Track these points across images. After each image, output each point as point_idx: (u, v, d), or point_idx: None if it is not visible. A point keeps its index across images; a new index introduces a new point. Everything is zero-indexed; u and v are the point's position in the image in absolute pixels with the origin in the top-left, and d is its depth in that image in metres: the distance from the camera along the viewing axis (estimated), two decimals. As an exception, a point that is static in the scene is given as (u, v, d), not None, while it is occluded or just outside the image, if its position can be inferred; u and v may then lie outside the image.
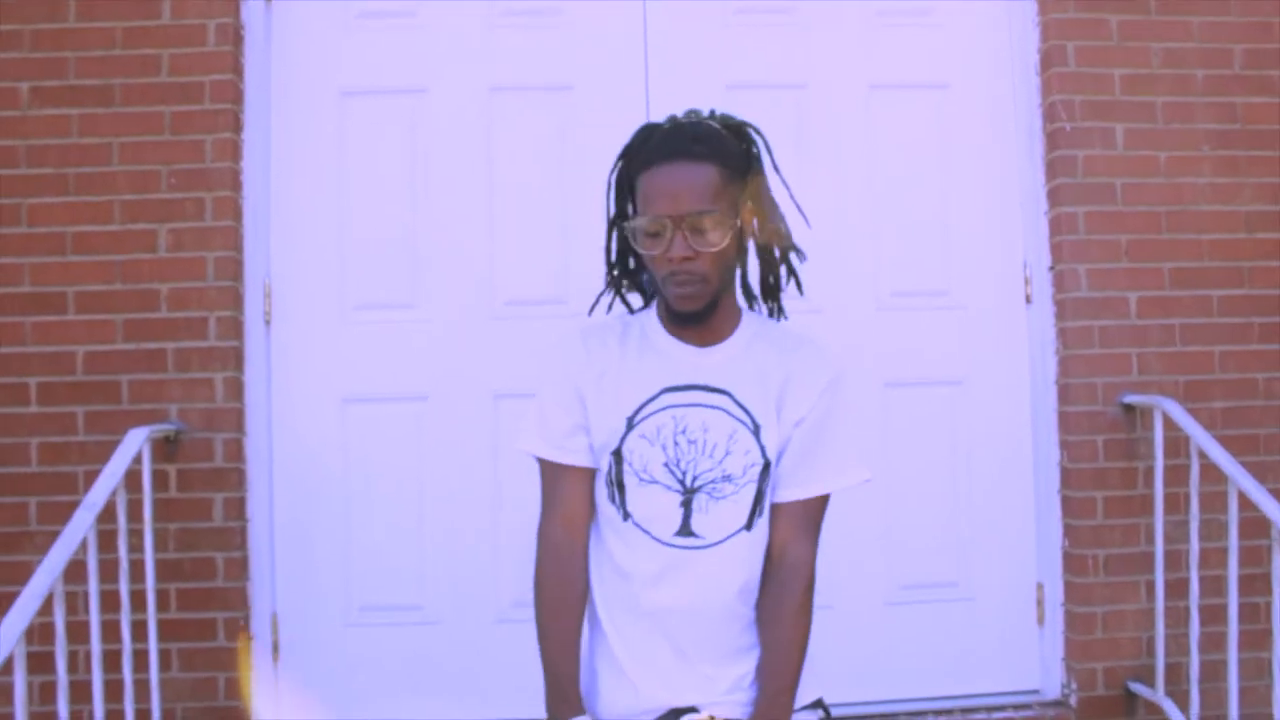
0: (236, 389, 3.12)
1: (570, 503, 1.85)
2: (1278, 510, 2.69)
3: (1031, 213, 3.38)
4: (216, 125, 3.12)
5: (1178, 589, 3.11)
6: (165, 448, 3.06)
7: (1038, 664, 3.37)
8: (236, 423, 3.12)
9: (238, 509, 3.11)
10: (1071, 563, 3.27)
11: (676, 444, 1.78)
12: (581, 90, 3.31)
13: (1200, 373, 3.28)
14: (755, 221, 1.88)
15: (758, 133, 1.92)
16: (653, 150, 1.77)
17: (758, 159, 1.89)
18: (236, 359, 3.13)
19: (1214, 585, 3.04)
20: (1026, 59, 3.38)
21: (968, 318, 3.38)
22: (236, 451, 3.11)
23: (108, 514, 2.71)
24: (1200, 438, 2.95)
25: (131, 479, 2.85)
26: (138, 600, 2.86)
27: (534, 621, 1.82)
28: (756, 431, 1.79)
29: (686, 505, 1.77)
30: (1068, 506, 3.29)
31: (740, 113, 3.25)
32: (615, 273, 1.96)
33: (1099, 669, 3.23)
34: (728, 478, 1.78)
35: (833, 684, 3.21)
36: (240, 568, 3.10)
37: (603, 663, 1.86)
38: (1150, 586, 3.18)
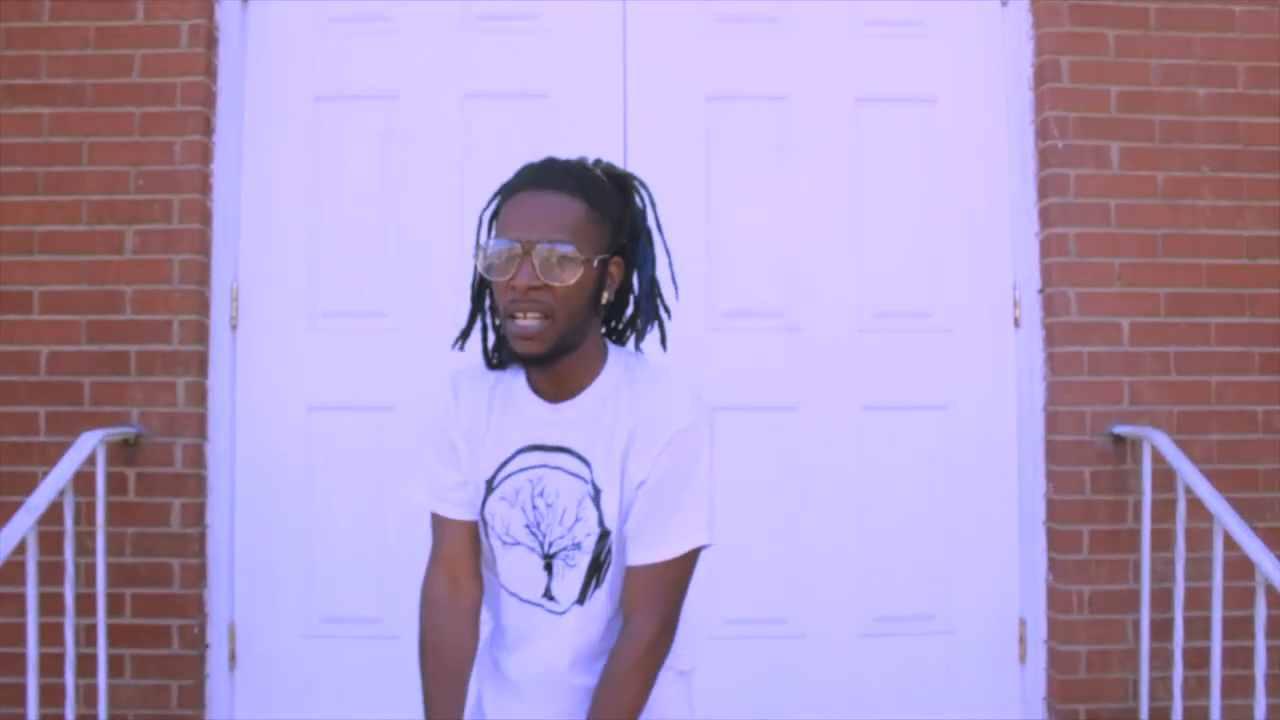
0: (199, 394, 3.09)
1: (454, 554, 1.76)
2: (1263, 552, 2.57)
3: (1022, 233, 3.28)
4: (186, 127, 3.10)
5: (1164, 629, 2.98)
6: (125, 451, 3.03)
7: (1018, 702, 3.24)
8: (198, 428, 3.09)
9: (197, 515, 3.08)
10: (1056, 598, 3.15)
11: (535, 507, 1.70)
12: (558, 98, 3.25)
13: (1196, 403, 3.15)
14: (620, 276, 1.73)
15: (643, 186, 1.79)
16: (519, 178, 1.66)
17: (640, 213, 1.77)
18: (200, 363, 3.10)
19: (1201, 627, 2.90)
20: (1019, 73, 3.28)
21: (953, 340, 3.27)
22: (197, 457, 3.08)
23: (59, 516, 2.70)
24: (1187, 473, 2.83)
25: (85, 482, 2.83)
26: (89, 605, 2.85)
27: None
28: (597, 498, 1.68)
29: (549, 569, 1.71)
30: (1053, 539, 3.16)
31: (720, 124, 3.25)
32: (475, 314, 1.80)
33: (1081, 711, 3.10)
34: (577, 545, 1.70)
35: (802, 715, 3.17)
36: (198, 574, 3.07)
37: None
38: (1136, 626, 3.05)
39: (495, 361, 1.77)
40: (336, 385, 3.21)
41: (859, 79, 3.29)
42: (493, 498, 1.71)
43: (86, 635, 2.87)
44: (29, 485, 2.93)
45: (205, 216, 3.12)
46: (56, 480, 2.64)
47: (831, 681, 3.17)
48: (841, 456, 3.22)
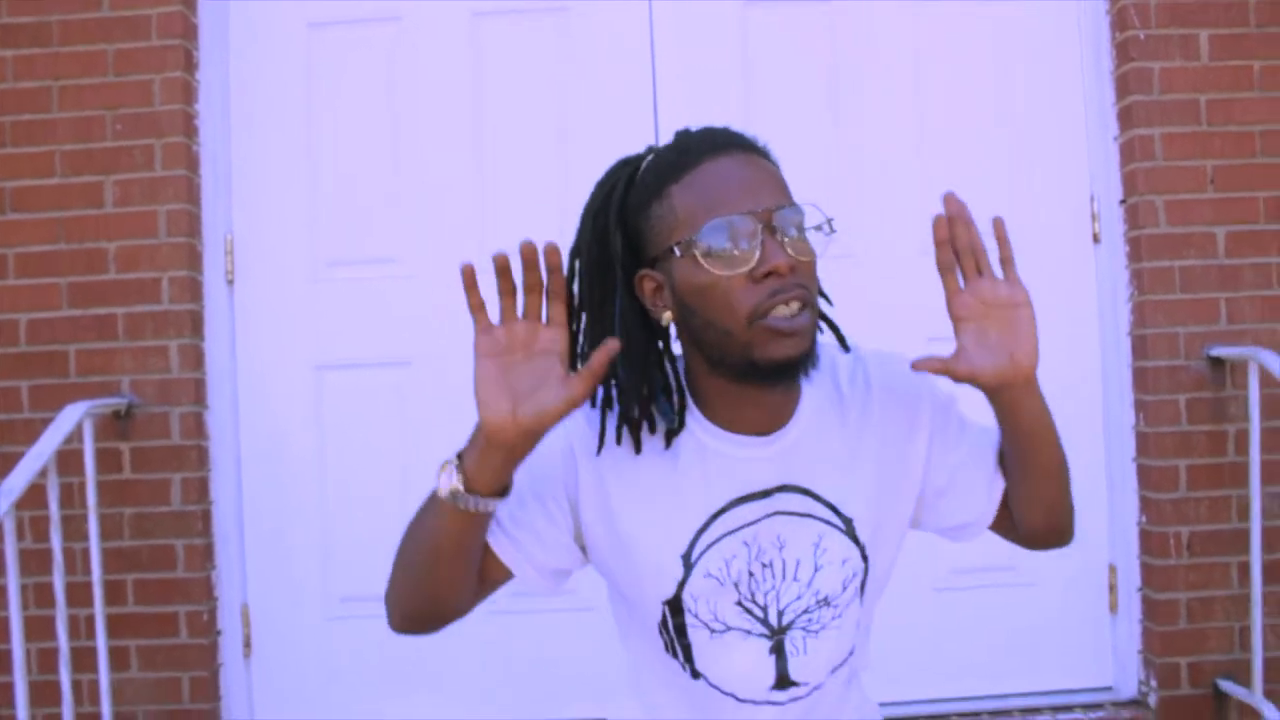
0: (195, 357, 2.84)
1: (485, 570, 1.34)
2: (1400, 481, 2.26)
3: (1099, 137, 2.97)
4: (165, 63, 2.82)
5: (1276, 572, 2.71)
6: (116, 424, 2.78)
7: (1110, 658, 2.98)
8: (196, 394, 2.83)
9: (199, 491, 2.82)
10: (1150, 542, 2.87)
11: (751, 575, 1.31)
12: (577, 9, 2.95)
13: (1303, 320, 2.84)
14: None
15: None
16: (685, 154, 1.26)
17: None
18: (194, 324, 2.85)
19: None
20: (1092, -42, 2.95)
21: (1025, 261, 2.86)
22: (197, 427, 2.83)
23: (44, 499, 2.46)
24: (1305, 394, 2.51)
25: (73, 459, 2.59)
26: (86, 595, 2.62)
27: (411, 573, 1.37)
28: (850, 529, 1.32)
29: (778, 650, 1.33)
30: (1145, 477, 2.88)
31: (759, 30, 2.93)
32: (636, 374, 1.30)
33: (1183, 664, 2.83)
34: (826, 601, 1.33)
35: (874, 681, 2.88)
36: (204, 556, 2.82)
37: None
38: (1244, 569, 2.77)
39: (677, 423, 1.30)
40: (346, 341, 2.95)
41: (916, -24, 2.97)
42: (695, 576, 1.29)
43: (87, 628, 2.65)
44: (13, 468, 2.71)
45: (192, 162, 2.86)
46: (34, 460, 2.39)
47: (905, 641, 2.89)
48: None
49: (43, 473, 2.41)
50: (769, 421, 1.30)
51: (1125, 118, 2.88)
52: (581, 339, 1.30)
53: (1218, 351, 2.79)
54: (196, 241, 2.87)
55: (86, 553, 2.63)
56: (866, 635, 1.43)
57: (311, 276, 2.96)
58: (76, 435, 2.57)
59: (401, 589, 1.35)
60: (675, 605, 1.30)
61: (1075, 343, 2.97)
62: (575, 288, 1.31)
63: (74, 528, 2.63)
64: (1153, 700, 2.84)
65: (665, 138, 3.02)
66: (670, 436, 1.29)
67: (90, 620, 2.64)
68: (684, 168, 1.24)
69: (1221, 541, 2.82)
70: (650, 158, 1.31)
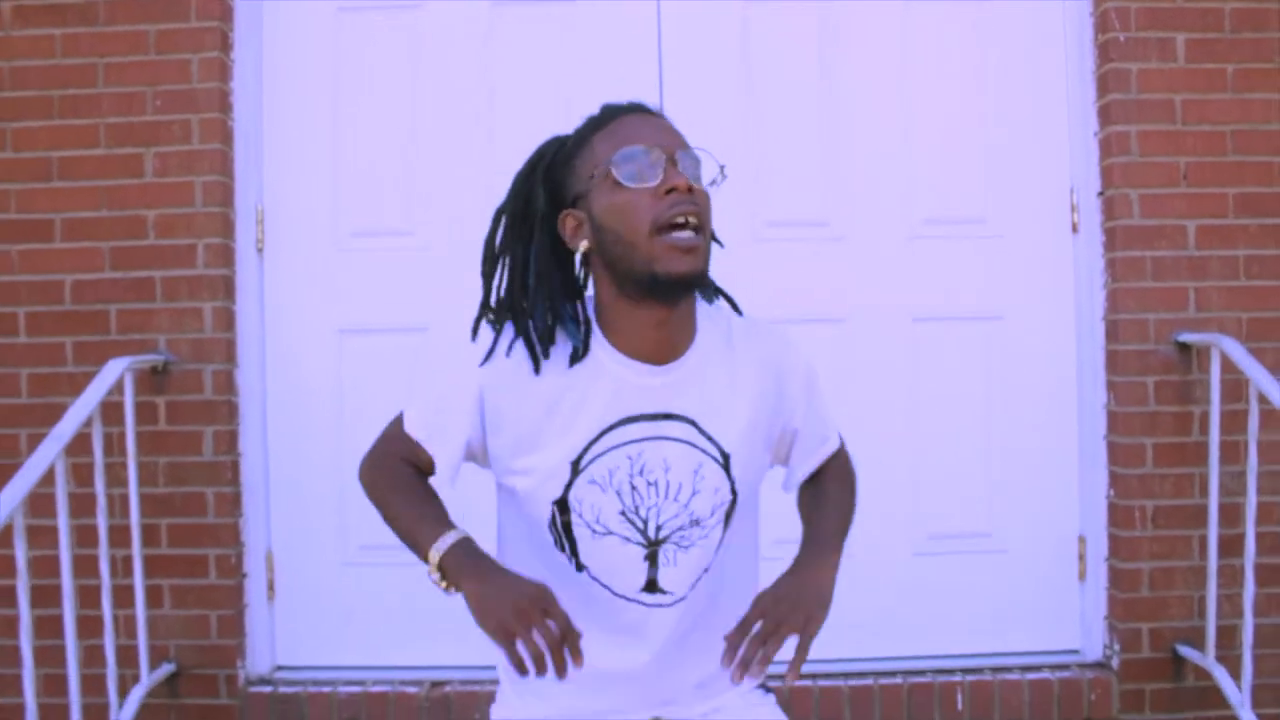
0: (227, 319, 3.03)
1: (421, 466, 1.63)
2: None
3: (1080, 133, 3.11)
4: (203, 44, 2.99)
5: (1232, 545, 2.86)
6: (153, 379, 2.98)
7: (1078, 623, 3.15)
8: (227, 353, 3.02)
9: (229, 443, 3.02)
10: (1117, 514, 3.03)
11: (634, 489, 1.51)
12: (587, 1, 3.11)
13: (1266, 309, 3.00)
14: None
15: None
16: (614, 108, 1.53)
17: None
18: (227, 288, 3.03)
19: (1273, 542, 2.82)
20: (1078, -38, 3.09)
21: (1007, 247, 3.12)
22: (227, 383, 3.02)
23: (88, 446, 2.66)
24: (1262, 380, 2.67)
25: (114, 411, 2.79)
26: (124, 536, 2.82)
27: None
28: (726, 463, 1.54)
29: (652, 559, 1.54)
30: (1114, 453, 3.04)
31: (760, 24, 3.10)
32: (543, 287, 1.53)
33: (1144, 630, 3.00)
34: (696, 522, 1.54)
35: (855, 637, 3.09)
36: (232, 503, 3.02)
37: None
38: (1202, 542, 2.93)
39: (581, 352, 1.50)
40: (367, 307, 3.13)
41: (906, -28, 3.12)
42: (579, 481, 1.50)
43: (124, 567, 2.85)
44: (59, 417, 2.90)
45: (226, 136, 3.03)
46: (82, 409, 2.58)
47: (884, 603, 3.08)
48: (892, 370, 3.11)
49: (88, 421, 2.60)
50: (665, 351, 1.51)
51: (1105, 115, 3.02)
52: (499, 281, 1.59)
53: (1185, 337, 2.94)
54: (229, 211, 3.04)
55: (125, 498, 2.83)
56: (746, 557, 1.67)
57: (336, 246, 3.13)
58: (118, 388, 2.75)
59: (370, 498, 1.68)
60: (563, 505, 1.52)
61: (1053, 325, 3.13)
62: (498, 239, 1.60)
63: (113, 475, 2.80)
64: (1115, 663, 3.01)
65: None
66: (574, 358, 1.49)
67: (128, 560, 2.83)
68: (605, 121, 1.50)
69: (1184, 515, 2.97)
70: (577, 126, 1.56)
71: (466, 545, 1.46)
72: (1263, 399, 2.69)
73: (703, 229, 1.43)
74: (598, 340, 1.51)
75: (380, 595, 3.12)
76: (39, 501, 2.41)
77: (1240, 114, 2.98)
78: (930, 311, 3.11)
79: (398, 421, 1.63)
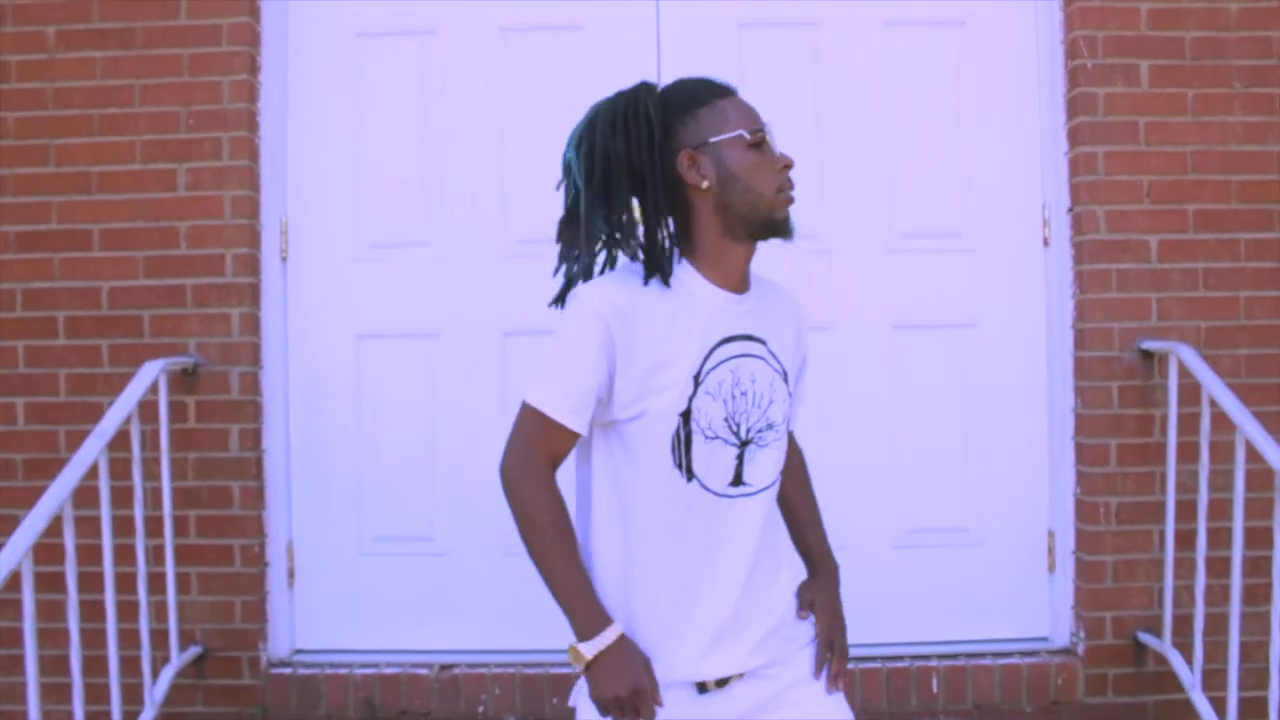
0: (253, 324, 3.21)
1: (558, 453, 1.75)
2: (1282, 459, 2.62)
3: (1051, 153, 3.30)
4: (233, 67, 3.18)
5: (1188, 539, 3.04)
6: (184, 380, 3.17)
7: (1047, 612, 3.34)
8: (253, 356, 3.21)
9: (254, 440, 3.21)
10: (1083, 510, 3.22)
11: (733, 397, 1.75)
12: (592, 30, 3.30)
13: (1224, 319, 3.18)
14: None
15: None
16: (709, 90, 1.79)
17: None
18: (253, 295, 3.21)
19: (1222, 537, 2.98)
20: (1050, -8, 3.28)
21: (982, 260, 3.32)
22: (253, 384, 3.21)
23: (126, 443, 2.86)
24: (1212, 385, 2.86)
25: (149, 409, 2.98)
26: (156, 527, 3.02)
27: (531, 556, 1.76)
28: (785, 378, 1.83)
29: (740, 457, 1.77)
30: (1081, 453, 3.23)
31: (753, 51, 3.30)
32: (657, 219, 1.77)
33: (1108, 618, 3.19)
34: (771, 425, 1.79)
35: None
36: (256, 497, 3.21)
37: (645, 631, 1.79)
38: (1162, 536, 3.12)
39: (665, 268, 1.75)
40: (384, 314, 3.32)
41: (888, 3, 3.31)
42: (700, 393, 1.72)
43: (155, 555, 3.03)
44: (96, 415, 3.10)
45: (253, 153, 3.22)
46: (122, 407, 2.78)
47: (867, 593, 3.24)
48: (873, 374, 3.30)
49: (127, 419, 2.80)
50: (744, 283, 1.80)
51: (1074, 136, 3.21)
52: (641, 216, 1.76)
53: (1147, 345, 3.13)
54: (256, 223, 3.22)
55: (158, 490, 3.02)
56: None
57: (355, 256, 3.32)
58: (153, 389, 2.95)
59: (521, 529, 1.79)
60: (686, 416, 1.71)
61: (1024, 333, 3.31)
62: (598, 168, 1.80)
63: (148, 469, 2.98)
64: (1081, 649, 3.19)
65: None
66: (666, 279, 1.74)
67: (159, 549, 3.03)
68: (727, 93, 1.78)
69: (1145, 511, 3.16)
70: (675, 83, 1.83)
71: (620, 643, 1.71)
72: (1213, 403, 2.87)
73: None
74: (690, 272, 1.77)
75: (393, 583, 3.31)
76: (80, 494, 2.59)
77: (1199, 135, 3.17)
78: (909, 319, 3.30)
79: (530, 413, 1.72)
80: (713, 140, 1.73)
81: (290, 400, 3.33)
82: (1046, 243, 3.31)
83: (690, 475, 1.73)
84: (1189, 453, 3.06)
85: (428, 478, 3.31)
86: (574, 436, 1.73)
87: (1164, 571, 3.08)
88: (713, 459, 1.74)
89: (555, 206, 3.25)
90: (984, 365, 3.32)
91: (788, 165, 1.76)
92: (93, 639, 2.82)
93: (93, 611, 2.83)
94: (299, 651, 3.33)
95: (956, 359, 3.32)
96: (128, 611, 2.92)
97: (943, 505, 3.33)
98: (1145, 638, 3.13)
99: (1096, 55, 3.16)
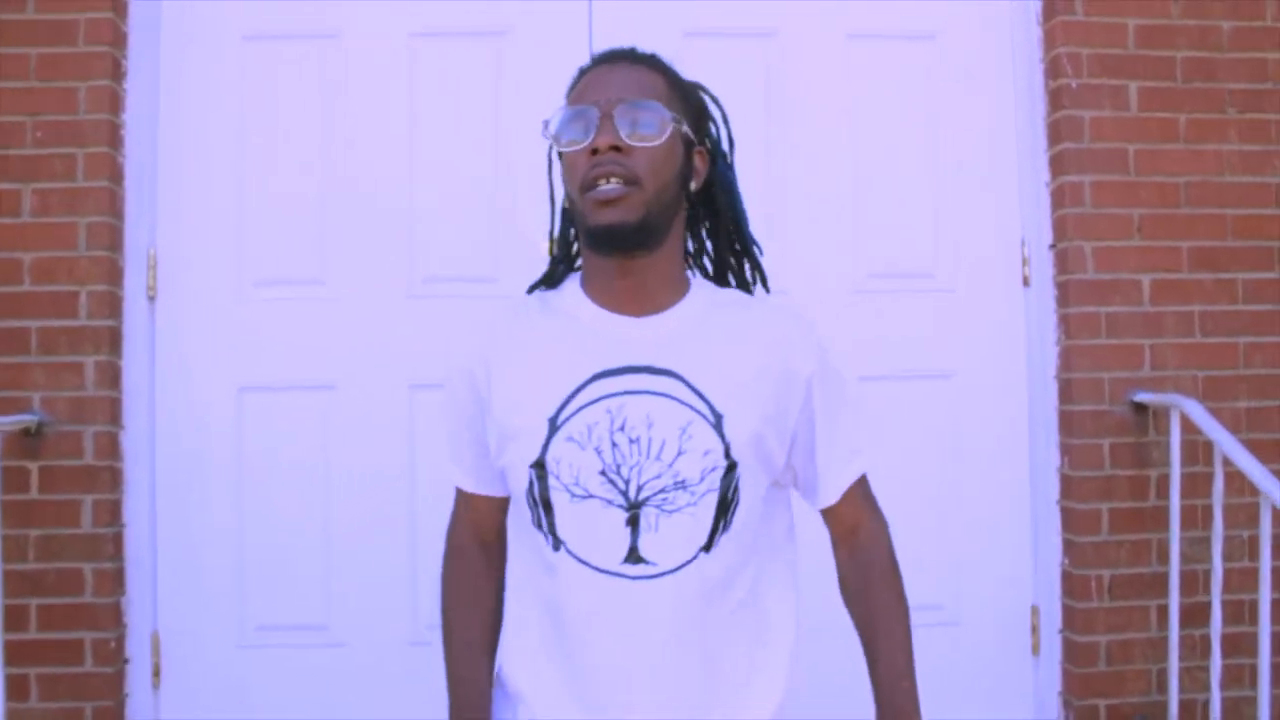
0: (112, 375, 2.76)
1: (481, 518, 1.58)
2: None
3: (1031, 183, 3.02)
4: (92, 71, 2.76)
5: (1193, 615, 2.76)
6: (25, 442, 2.69)
7: (1031, 697, 3.01)
8: (111, 414, 2.76)
9: (112, 513, 2.74)
10: (1071, 584, 2.90)
11: (615, 445, 1.39)
12: (518, 35, 2.94)
13: (1222, 368, 2.92)
14: (705, 175, 1.55)
15: (717, 101, 1.63)
16: (585, 66, 1.51)
17: (717, 126, 1.62)
18: (113, 340, 2.77)
19: (1235, 611, 2.72)
20: (1026, 6, 3.01)
21: (956, 302, 3.00)
22: (111, 447, 2.75)
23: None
24: (1226, 443, 2.57)
25: (-24, 478, 2.49)
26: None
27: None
28: (718, 423, 1.40)
29: (633, 523, 1.40)
30: (1068, 519, 2.92)
31: (701, 63, 2.94)
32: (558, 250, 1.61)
33: (1101, 706, 2.87)
34: (681, 484, 1.40)
35: (800, 713, 2.89)
36: (114, 581, 2.74)
37: None
38: (1161, 612, 2.82)
39: (559, 272, 1.57)
40: (270, 363, 2.90)
41: (851, 13, 3.01)
42: (557, 439, 1.40)
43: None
44: (-81, 484, 2.62)
45: (116, 173, 2.79)
46: (-63, 477, 2.29)
47: (827, 678, 2.88)
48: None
49: (-57, 491, 2.32)
50: (640, 302, 1.46)
51: (1057, 164, 2.94)
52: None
53: (1141, 397, 2.84)
54: (118, 255, 2.79)
55: (-13, 576, 2.53)
56: (768, 561, 1.53)
57: (236, 295, 2.90)
58: (-18, 453, 2.48)
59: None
60: (540, 468, 1.41)
61: (1003, 384, 3.01)
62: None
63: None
64: (1071, 741, 2.87)
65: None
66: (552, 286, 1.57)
67: (-11, 646, 2.53)
68: (575, 79, 1.50)
69: (1141, 585, 2.86)
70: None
71: None
72: (1228, 462, 2.57)
73: (630, 181, 1.39)
74: (575, 292, 1.51)
75: (280, 680, 2.86)
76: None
77: (1194, 165, 2.92)
78: (876, 369, 2.96)
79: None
80: (548, 132, 1.48)
81: (157, 465, 2.87)
82: (1026, 282, 3.01)
83: (557, 543, 1.43)
84: (1190, 517, 2.78)
85: (322, 556, 2.87)
86: (486, 499, 1.55)
87: (1167, 652, 2.78)
88: (589, 525, 1.41)
89: (471, 239, 2.91)
90: (960, 420, 2.99)
91: (594, 150, 1.38)
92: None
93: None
94: (166, 764, 2.84)
95: (928, 413, 2.98)
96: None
97: (914, 579, 2.88)
98: (1145, 728, 2.80)
99: (1082, 75, 2.88)
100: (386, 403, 2.87)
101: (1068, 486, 2.92)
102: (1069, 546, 2.92)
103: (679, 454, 1.39)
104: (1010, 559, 3.00)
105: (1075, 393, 2.88)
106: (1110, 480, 2.87)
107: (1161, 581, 2.80)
